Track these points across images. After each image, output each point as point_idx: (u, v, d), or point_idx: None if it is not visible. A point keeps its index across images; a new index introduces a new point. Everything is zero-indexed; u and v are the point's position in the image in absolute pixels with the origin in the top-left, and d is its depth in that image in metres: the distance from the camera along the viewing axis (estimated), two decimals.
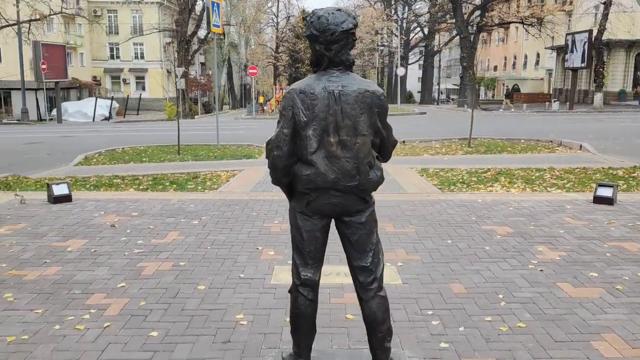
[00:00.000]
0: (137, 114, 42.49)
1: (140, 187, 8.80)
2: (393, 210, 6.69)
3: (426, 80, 59.27)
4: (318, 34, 2.56)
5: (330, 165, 2.56)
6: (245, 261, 4.83)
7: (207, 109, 45.78)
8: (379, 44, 51.88)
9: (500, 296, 4.02)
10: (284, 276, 4.42)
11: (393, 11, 56.73)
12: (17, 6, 30.93)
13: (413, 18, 56.95)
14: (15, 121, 34.03)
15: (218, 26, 14.71)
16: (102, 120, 36.21)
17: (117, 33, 49.20)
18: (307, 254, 2.73)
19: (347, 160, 2.56)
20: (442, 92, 69.15)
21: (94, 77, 50.11)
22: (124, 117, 40.17)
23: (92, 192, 8.21)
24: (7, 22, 31.58)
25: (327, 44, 2.55)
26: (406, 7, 58.01)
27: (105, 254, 5.03)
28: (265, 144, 2.70)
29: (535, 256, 4.92)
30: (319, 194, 2.62)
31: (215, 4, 14.13)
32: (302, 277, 2.74)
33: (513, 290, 4.14)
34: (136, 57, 51.02)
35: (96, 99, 38.04)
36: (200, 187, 8.76)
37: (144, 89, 50.20)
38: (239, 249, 5.18)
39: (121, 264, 4.74)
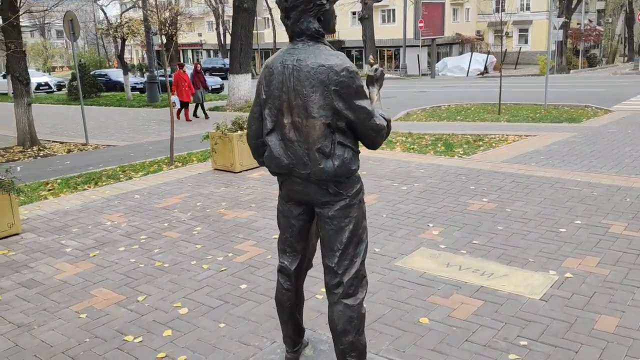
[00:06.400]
0: (515, 68, 41.42)
1: (410, 147, 8.76)
2: None
3: None
4: (278, 2, 2.29)
5: (285, 149, 2.31)
6: (401, 235, 4.58)
7: (591, 62, 41.10)
8: None
9: None
10: (417, 260, 4.06)
11: None
12: None
13: None
14: (396, 77, 37.76)
15: None
16: (477, 75, 36.70)
17: None
18: (284, 241, 2.55)
19: (300, 145, 2.27)
20: None
21: (477, 32, 50.93)
22: (499, 71, 39.79)
23: None
24: None
25: (286, 12, 2.27)
26: None
27: None
28: None
29: None
30: (284, 178, 2.42)
31: None
32: (279, 263, 2.59)
33: None
34: (521, 9, 49.29)
35: (471, 54, 38.78)
36: (461, 152, 8.21)
37: (526, 42, 48.44)
38: (411, 221, 4.92)
39: None
